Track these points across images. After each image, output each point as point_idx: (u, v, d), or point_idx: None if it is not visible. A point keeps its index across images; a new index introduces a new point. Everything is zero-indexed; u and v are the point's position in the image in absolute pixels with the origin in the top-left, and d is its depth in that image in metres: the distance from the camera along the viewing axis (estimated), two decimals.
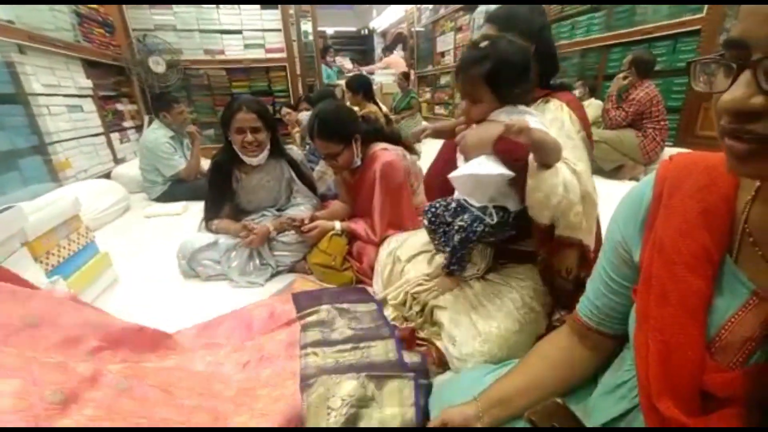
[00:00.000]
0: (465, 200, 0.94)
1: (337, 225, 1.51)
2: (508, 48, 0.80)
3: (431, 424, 0.66)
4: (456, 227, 0.91)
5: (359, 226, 1.52)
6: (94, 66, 3.24)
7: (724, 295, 0.41)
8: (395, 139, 1.58)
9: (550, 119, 0.93)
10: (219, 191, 1.62)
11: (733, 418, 0.38)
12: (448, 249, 0.95)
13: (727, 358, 0.40)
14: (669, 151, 2.79)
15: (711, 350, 0.41)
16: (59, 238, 1.30)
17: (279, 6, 4.14)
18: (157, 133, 2.72)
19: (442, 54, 6.46)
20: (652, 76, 2.76)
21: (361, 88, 3.28)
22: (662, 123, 2.71)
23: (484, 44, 0.81)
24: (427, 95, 7.21)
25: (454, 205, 0.97)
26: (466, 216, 0.90)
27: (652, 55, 2.83)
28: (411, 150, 1.61)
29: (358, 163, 1.48)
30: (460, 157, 0.94)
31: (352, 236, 1.54)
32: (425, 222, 1.03)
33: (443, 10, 6.26)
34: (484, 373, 0.75)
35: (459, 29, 5.81)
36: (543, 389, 0.61)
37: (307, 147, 3.05)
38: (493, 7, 1.10)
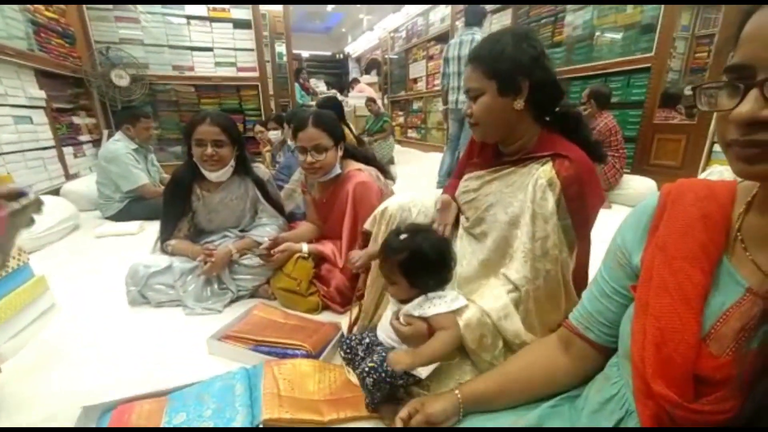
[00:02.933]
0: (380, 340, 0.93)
1: (304, 247, 1.44)
2: (423, 242, 0.85)
3: (410, 406, 0.68)
4: (366, 369, 0.85)
5: (327, 248, 1.46)
6: (50, 76, 3.06)
7: (720, 292, 0.45)
8: (370, 160, 1.55)
9: (528, 199, 0.84)
10: (177, 207, 1.51)
11: (724, 401, 0.40)
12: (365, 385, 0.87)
13: (721, 348, 0.43)
14: (627, 178, 2.94)
15: (707, 341, 0.44)
16: None
17: (252, 26, 4.14)
18: (117, 144, 2.57)
19: (415, 80, 6.65)
20: (609, 108, 2.93)
21: (335, 109, 3.31)
22: (621, 151, 2.86)
23: (403, 236, 0.86)
24: (401, 119, 7.36)
25: (367, 340, 0.98)
26: (375, 357, 0.87)
27: (608, 87, 3.02)
28: (386, 173, 1.59)
29: (338, 170, 1.43)
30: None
31: (319, 259, 1.48)
32: (341, 353, 1.01)
33: (416, 39, 6.50)
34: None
35: (431, 57, 6.03)
36: (522, 392, 0.65)
37: (277, 165, 2.98)
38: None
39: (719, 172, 2.65)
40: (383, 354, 0.85)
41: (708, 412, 0.41)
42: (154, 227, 1.68)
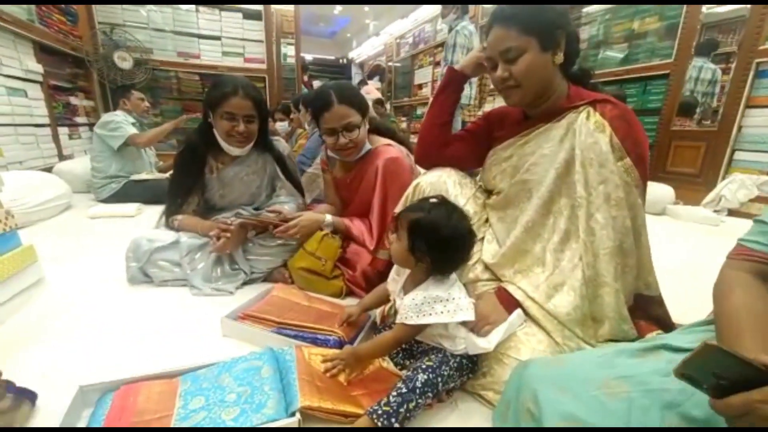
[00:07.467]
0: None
1: (328, 217, 1.31)
2: (443, 215, 0.78)
3: None
4: (423, 366, 0.76)
5: (354, 226, 1.33)
6: (49, 52, 2.91)
7: None
8: (395, 135, 1.43)
9: (577, 146, 0.81)
10: (189, 178, 1.37)
11: None
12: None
13: None
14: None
15: None
16: None
17: (263, 17, 4.04)
18: (115, 114, 2.49)
19: (420, 86, 6.61)
20: None
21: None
22: None
23: (432, 200, 0.81)
24: (403, 125, 7.30)
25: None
26: (433, 356, 0.79)
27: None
28: (412, 152, 1.47)
29: (368, 147, 1.31)
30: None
31: (343, 239, 1.34)
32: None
33: (422, 45, 6.49)
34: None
35: (437, 63, 5.99)
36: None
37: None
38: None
39: (740, 180, 2.60)
40: (440, 356, 0.79)
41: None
42: (153, 210, 1.52)
